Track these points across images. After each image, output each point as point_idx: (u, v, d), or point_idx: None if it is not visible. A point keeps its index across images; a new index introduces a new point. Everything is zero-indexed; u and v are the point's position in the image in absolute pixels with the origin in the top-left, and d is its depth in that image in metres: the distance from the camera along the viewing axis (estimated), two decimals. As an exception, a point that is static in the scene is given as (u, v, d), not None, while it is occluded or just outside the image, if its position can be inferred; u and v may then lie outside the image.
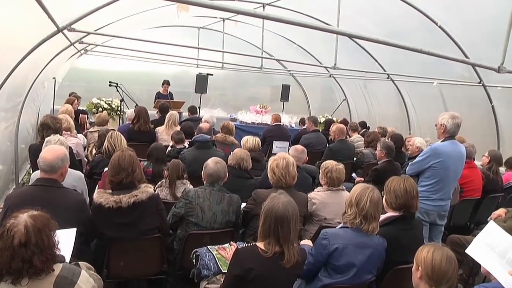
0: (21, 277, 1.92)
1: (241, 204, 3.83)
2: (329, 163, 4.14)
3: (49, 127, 4.72)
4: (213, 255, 3.17)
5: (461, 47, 6.67)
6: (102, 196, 3.23)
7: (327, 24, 7.37)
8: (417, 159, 4.54)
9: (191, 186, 4.24)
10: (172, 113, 7.06)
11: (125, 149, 3.51)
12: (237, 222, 3.78)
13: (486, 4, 5.89)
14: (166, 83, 10.59)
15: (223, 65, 11.04)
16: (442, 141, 4.34)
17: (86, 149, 6.46)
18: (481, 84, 7.15)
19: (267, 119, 10.41)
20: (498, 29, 4.11)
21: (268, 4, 7.63)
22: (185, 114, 8.85)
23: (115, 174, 3.28)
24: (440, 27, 6.57)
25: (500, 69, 3.85)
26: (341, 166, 4.13)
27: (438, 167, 4.26)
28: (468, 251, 2.49)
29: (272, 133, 8.01)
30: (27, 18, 4.00)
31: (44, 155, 3.12)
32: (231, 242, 3.42)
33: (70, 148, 4.28)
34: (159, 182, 4.39)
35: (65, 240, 2.56)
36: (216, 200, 3.64)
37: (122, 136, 4.77)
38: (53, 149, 3.25)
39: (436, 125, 4.41)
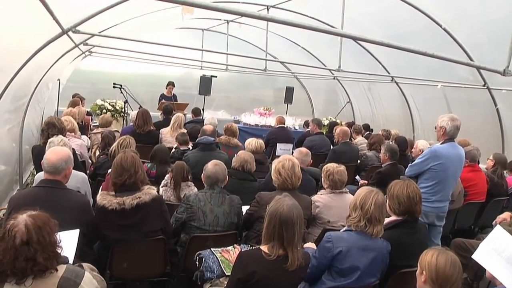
0: (25, 277, 1.92)
1: (241, 205, 3.83)
2: (330, 166, 4.13)
3: (54, 126, 4.73)
4: (216, 257, 3.17)
5: (465, 50, 6.64)
6: (105, 198, 3.23)
7: (332, 26, 7.36)
8: (416, 160, 4.54)
9: (196, 189, 4.24)
10: (179, 115, 7.05)
11: (127, 151, 3.53)
12: (239, 223, 3.78)
13: (491, 6, 5.86)
14: (170, 84, 10.59)
15: (227, 67, 11.04)
16: (441, 143, 4.33)
17: (90, 150, 6.48)
18: (485, 87, 7.12)
19: (270, 121, 10.40)
20: (503, 32, 4.08)
21: (272, 6, 7.63)
22: (189, 116, 8.85)
23: (117, 175, 3.28)
24: (444, 29, 6.55)
25: (505, 72, 3.83)
26: (342, 167, 4.11)
27: (437, 169, 4.26)
28: (475, 256, 2.47)
29: (276, 135, 8.00)
30: (32, 20, 4.01)
31: (48, 156, 3.13)
32: (235, 245, 3.41)
33: (73, 149, 4.28)
34: (165, 182, 4.39)
35: (68, 241, 2.57)
36: (217, 202, 3.64)
37: (134, 143, 4.73)
38: (57, 150, 3.26)
39: (435, 128, 4.40)
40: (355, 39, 4.83)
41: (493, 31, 6.04)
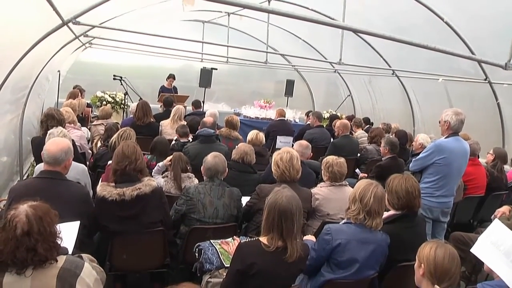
0: (25, 267, 1.93)
1: (241, 197, 3.84)
2: (330, 158, 4.14)
3: (53, 117, 4.73)
4: (216, 249, 3.17)
5: (467, 43, 6.60)
6: (105, 189, 3.24)
7: (333, 19, 7.32)
8: (420, 155, 4.52)
9: (196, 181, 4.25)
10: (179, 108, 7.04)
11: (129, 141, 3.54)
12: (238, 215, 3.79)
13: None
14: (171, 77, 10.57)
15: (227, 60, 11.00)
16: (446, 137, 4.32)
17: (90, 142, 6.48)
18: (487, 81, 7.09)
19: (271, 114, 10.40)
20: (505, 25, 4.07)
21: (274, -1, 7.60)
22: (189, 108, 8.85)
23: (118, 161, 3.31)
24: (446, 22, 6.51)
25: (507, 66, 3.80)
26: (341, 159, 4.11)
27: (441, 163, 4.25)
28: (473, 250, 2.47)
29: (276, 128, 8.00)
30: (32, 11, 4.00)
31: (48, 147, 3.13)
32: (234, 236, 3.42)
33: (73, 140, 4.28)
34: (165, 173, 4.40)
35: (68, 232, 2.58)
36: (217, 195, 3.65)
37: (134, 135, 4.75)
38: (57, 141, 3.26)
39: (439, 122, 4.39)
40: (356, 31, 4.81)
41: (495, 24, 6.00)
